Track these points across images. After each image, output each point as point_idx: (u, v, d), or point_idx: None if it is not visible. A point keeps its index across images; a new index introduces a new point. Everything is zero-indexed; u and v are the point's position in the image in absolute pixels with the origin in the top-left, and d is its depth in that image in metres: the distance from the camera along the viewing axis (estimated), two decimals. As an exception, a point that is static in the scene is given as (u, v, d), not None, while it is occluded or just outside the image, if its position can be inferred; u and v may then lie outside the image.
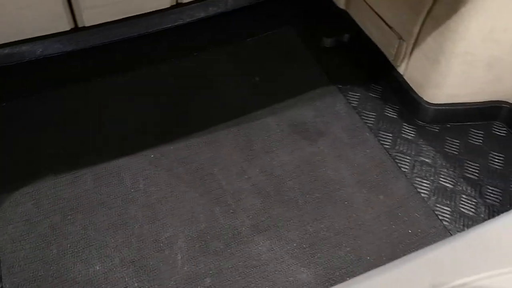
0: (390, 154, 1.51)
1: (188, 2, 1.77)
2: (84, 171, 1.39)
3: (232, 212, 1.34)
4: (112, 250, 1.24)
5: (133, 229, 1.28)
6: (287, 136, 1.53)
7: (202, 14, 1.83)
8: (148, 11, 1.72)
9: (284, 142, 1.51)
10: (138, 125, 1.53)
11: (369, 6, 1.68)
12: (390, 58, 1.65)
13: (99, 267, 1.21)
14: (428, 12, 1.44)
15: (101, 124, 1.52)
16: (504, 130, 1.57)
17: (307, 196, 1.38)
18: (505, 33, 1.37)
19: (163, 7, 1.73)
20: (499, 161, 1.50)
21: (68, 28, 1.61)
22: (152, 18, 1.74)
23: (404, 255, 1.20)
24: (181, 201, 1.35)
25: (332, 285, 1.21)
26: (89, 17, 1.63)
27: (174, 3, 1.74)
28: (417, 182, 1.44)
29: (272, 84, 1.68)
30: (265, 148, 1.48)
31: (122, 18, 1.70)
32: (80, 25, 1.64)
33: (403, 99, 1.63)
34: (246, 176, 1.41)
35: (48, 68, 1.65)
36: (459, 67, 1.44)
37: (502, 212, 1.38)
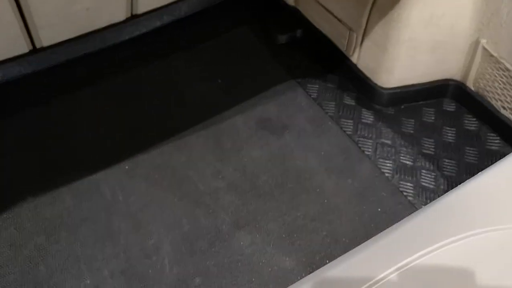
0: (353, 139, 1.60)
1: (142, 13, 1.79)
2: (62, 189, 1.41)
3: (212, 212, 1.40)
4: (101, 262, 1.28)
5: (119, 240, 1.32)
6: (255, 133, 1.60)
7: (158, 23, 1.86)
8: (105, 25, 1.74)
9: (253, 139, 1.58)
10: (109, 137, 1.56)
11: (317, 1, 1.76)
12: (343, 49, 1.74)
13: (89, 281, 1.25)
14: (373, 4, 1.54)
15: (73, 140, 1.55)
16: (453, 105, 1.70)
17: (281, 187, 1.46)
18: (443, 17, 1.48)
19: (119, 20, 1.75)
20: (451, 134, 1.62)
21: (27, 50, 1.61)
22: (109, 32, 1.76)
23: (377, 233, 1.30)
24: (162, 207, 1.40)
25: (314, 269, 1.29)
26: (46, 37, 1.64)
27: (129, 15, 1.76)
28: (380, 163, 1.54)
29: (235, 84, 1.75)
30: (236, 146, 1.55)
31: (80, 35, 1.71)
32: (38, 45, 1.64)
33: (359, 86, 1.73)
34: (220, 176, 1.47)
35: (12, 92, 1.65)
36: (406, 52, 1.55)
37: (459, 181, 1.51)
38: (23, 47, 1.60)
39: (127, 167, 1.47)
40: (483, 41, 1.48)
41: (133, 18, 1.79)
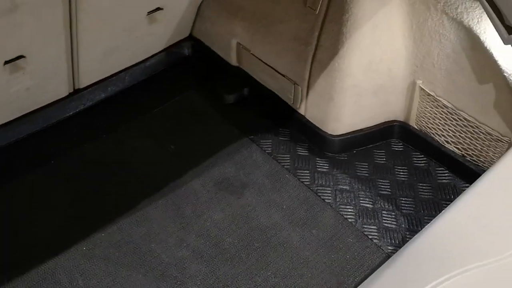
0: (311, 189, 1.62)
1: (86, 87, 1.78)
2: (15, 282, 1.31)
3: (180, 284, 1.34)
4: None
5: (83, 329, 1.23)
6: (215, 195, 1.58)
7: (103, 95, 1.84)
8: (47, 103, 1.70)
9: (213, 201, 1.56)
10: (62, 221, 1.48)
11: (259, 59, 1.82)
12: (290, 103, 1.79)
13: None
14: (314, 57, 1.61)
15: (21, 226, 1.46)
16: (401, 145, 1.76)
17: (248, 248, 1.44)
18: (381, 63, 1.57)
19: (62, 96, 1.72)
20: (403, 173, 1.67)
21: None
22: (53, 109, 1.72)
23: (349, 281, 1.28)
24: (126, 286, 1.33)
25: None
26: None
27: (72, 91, 1.74)
28: (341, 209, 1.56)
29: (188, 149, 1.73)
30: (196, 211, 1.52)
31: (22, 115, 1.67)
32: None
33: (310, 136, 1.77)
34: (184, 244, 1.42)
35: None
36: (350, 99, 1.62)
37: (418, 218, 1.54)
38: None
39: (84, 248, 1.39)
40: (419, 82, 1.57)
41: (77, 92, 1.77)
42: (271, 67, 1.79)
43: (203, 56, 2.06)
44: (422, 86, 1.57)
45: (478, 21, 1.36)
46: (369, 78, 1.58)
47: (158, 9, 1.73)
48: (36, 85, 1.54)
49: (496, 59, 1.32)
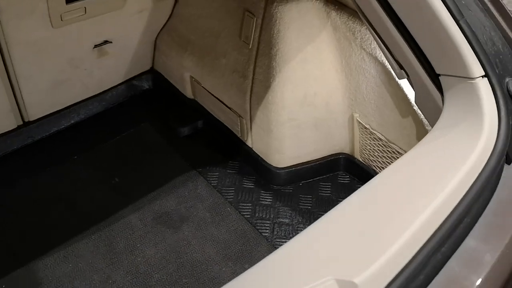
0: (251, 222, 1.60)
1: (36, 119, 1.81)
2: None
3: (100, 321, 1.33)
4: None
5: None
6: (151, 229, 1.57)
7: (54, 129, 1.87)
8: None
9: (148, 236, 1.55)
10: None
11: (210, 93, 1.84)
12: (238, 135, 1.79)
13: None
14: (251, 90, 1.61)
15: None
16: (347, 177, 1.74)
17: (175, 284, 1.42)
18: (316, 96, 1.56)
19: (9, 129, 1.74)
20: (348, 206, 1.64)
21: None
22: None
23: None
24: (47, 322, 1.32)
25: None
26: None
27: (21, 123, 1.77)
28: (277, 243, 1.53)
29: (133, 182, 1.74)
30: (129, 247, 1.52)
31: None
32: None
33: (257, 168, 1.76)
34: (110, 281, 1.42)
35: None
36: (290, 132, 1.61)
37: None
38: None
39: (4, 286, 1.39)
40: (356, 115, 1.56)
41: (26, 125, 1.80)
42: (219, 100, 1.80)
43: (163, 89, 2.10)
44: (358, 119, 1.55)
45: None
46: (306, 111, 1.58)
47: (106, 42, 1.77)
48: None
49: (408, 93, 1.31)
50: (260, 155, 1.74)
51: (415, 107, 1.30)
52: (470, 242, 0.79)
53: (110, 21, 1.70)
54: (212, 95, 1.83)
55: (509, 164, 0.89)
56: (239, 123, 1.75)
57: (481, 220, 0.83)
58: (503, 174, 0.88)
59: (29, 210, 1.62)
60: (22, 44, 1.51)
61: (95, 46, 1.76)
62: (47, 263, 1.44)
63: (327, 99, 1.58)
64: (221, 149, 1.87)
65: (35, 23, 1.48)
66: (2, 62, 1.52)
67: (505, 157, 0.89)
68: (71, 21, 1.55)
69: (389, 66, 1.32)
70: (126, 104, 2.06)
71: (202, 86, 1.86)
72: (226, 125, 1.85)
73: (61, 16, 1.50)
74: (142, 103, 2.08)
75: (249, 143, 1.77)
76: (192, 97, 1.99)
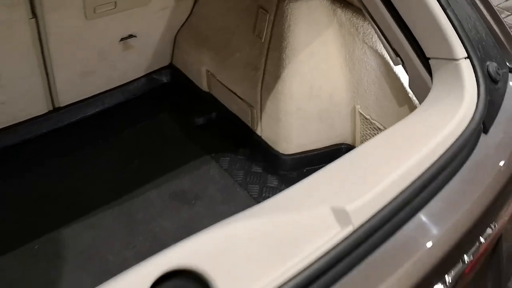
0: (257, 201, 1.73)
1: (65, 106, 1.97)
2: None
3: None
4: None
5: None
6: (168, 205, 1.72)
7: (81, 115, 2.04)
8: (25, 119, 1.89)
9: (165, 210, 1.70)
10: (19, 220, 1.63)
11: (224, 85, 1.99)
12: (249, 125, 1.94)
13: None
14: (262, 81, 1.77)
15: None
16: (349, 166, 1.87)
17: (188, 252, 1.55)
18: (322, 89, 1.71)
19: (41, 113, 1.91)
20: (349, 191, 1.78)
21: None
22: (31, 124, 1.90)
23: None
24: (71, 282, 1.46)
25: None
26: None
27: (51, 108, 1.94)
28: (282, 221, 1.67)
29: (152, 164, 1.89)
30: (147, 218, 1.66)
31: (2, 128, 1.84)
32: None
33: (265, 155, 1.91)
34: (131, 246, 1.56)
35: None
36: (297, 122, 1.76)
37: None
38: None
39: (36, 246, 1.54)
40: (358, 107, 1.70)
41: (55, 110, 1.96)
42: (233, 92, 1.96)
43: (181, 83, 2.26)
44: (360, 111, 1.70)
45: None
46: (312, 103, 1.72)
47: (131, 36, 1.94)
48: (11, 100, 1.74)
49: (405, 82, 1.45)
50: (269, 143, 1.88)
51: (411, 96, 1.44)
52: (435, 204, 0.88)
53: (136, 16, 1.87)
54: (226, 87, 1.98)
55: (485, 133, 1.03)
56: (250, 113, 1.90)
57: (451, 183, 0.91)
58: (479, 142, 1.01)
59: (58, 183, 1.78)
60: (59, 34, 1.67)
61: (121, 39, 1.93)
62: (75, 229, 1.59)
63: (331, 92, 1.72)
64: (233, 138, 2.02)
65: (71, 15, 1.65)
66: (41, 50, 1.68)
67: (482, 126, 1.02)
68: (102, 14, 1.71)
69: (387, 58, 1.46)
70: (146, 96, 2.22)
71: (217, 79, 2.02)
72: (238, 115, 2.00)
73: (94, 9, 1.67)
74: (161, 96, 2.24)
75: (258, 131, 1.92)
76: (207, 90, 2.15)
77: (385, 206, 0.82)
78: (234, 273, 0.72)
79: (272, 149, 1.87)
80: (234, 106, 2.01)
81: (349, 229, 0.78)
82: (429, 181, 0.89)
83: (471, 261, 0.91)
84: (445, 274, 0.86)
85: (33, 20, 1.57)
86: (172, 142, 2.02)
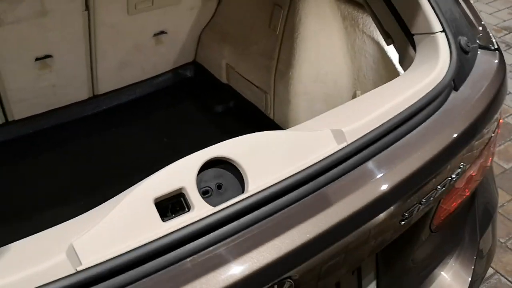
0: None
1: (103, 93, 2.26)
2: (20, 230, 1.73)
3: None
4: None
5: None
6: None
7: (116, 102, 2.32)
8: (70, 103, 2.18)
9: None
10: (68, 183, 1.93)
11: (242, 76, 2.27)
12: (263, 110, 2.21)
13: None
14: (276, 69, 2.04)
15: (43, 182, 1.90)
16: (351, 145, 2.13)
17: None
18: (327, 75, 1.98)
19: (82, 99, 2.20)
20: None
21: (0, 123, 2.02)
22: (73, 108, 2.20)
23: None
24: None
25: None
26: (19, 111, 2.05)
27: (92, 95, 2.23)
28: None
29: (178, 143, 2.17)
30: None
31: (47, 111, 2.13)
32: (10, 119, 2.05)
33: (277, 136, 2.16)
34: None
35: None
36: (304, 104, 2.02)
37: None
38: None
39: (82, 202, 1.81)
40: (358, 92, 1.97)
41: (95, 97, 2.26)
42: (249, 81, 2.23)
43: (203, 78, 2.55)
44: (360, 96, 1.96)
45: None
46: (318, 87, 1.99)
47: (162, 32, 2.24)
48: (61, 84, 2.03)
49: (397, 65, 1.71)
50: (280, 125, 2.15)
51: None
52: (413, 135, 1.12)
53: (168, 14, 2.17)
54: (243, 77, 2.26)
55: (456, 90, 1.29)
56: (264, 99, 2.17)
57: (425, 123, 1.15)
58: (450, 96, 1.27)
59: (96, 156, 2.07)
60: (105, 26, 1.97)
61: (154, 34, 2.23)
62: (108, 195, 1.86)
63: (336, 78, 1.99)
64: (248, 122, 2.29)
65: (117, 10, 1.95)
66: (89, 40, 1.98)
67: (453, 85, 1.28)
68: (141, 10, 2.01)
69: (382, 43, 1.73)
70: (173, 88, 2.51)
71: (236, 71, 2.30)
72: (253, 102, 2.27)
73: (135, 5, 1.97)
74: (186, 88, 2.53)
75: (271, 116, 2.19)
76: (226, 82, 2.43)
77: (372, 131, 1.08)
78: (260, 166, 0.98)
79: (282, 129, 2.13)
80: (250, 95, 2.28)
81: (344, 144, 1.04)
82: (407, 118, 1.14)
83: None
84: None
85: (86, 12, 1.86)
86: (195, 126, 2.29)
